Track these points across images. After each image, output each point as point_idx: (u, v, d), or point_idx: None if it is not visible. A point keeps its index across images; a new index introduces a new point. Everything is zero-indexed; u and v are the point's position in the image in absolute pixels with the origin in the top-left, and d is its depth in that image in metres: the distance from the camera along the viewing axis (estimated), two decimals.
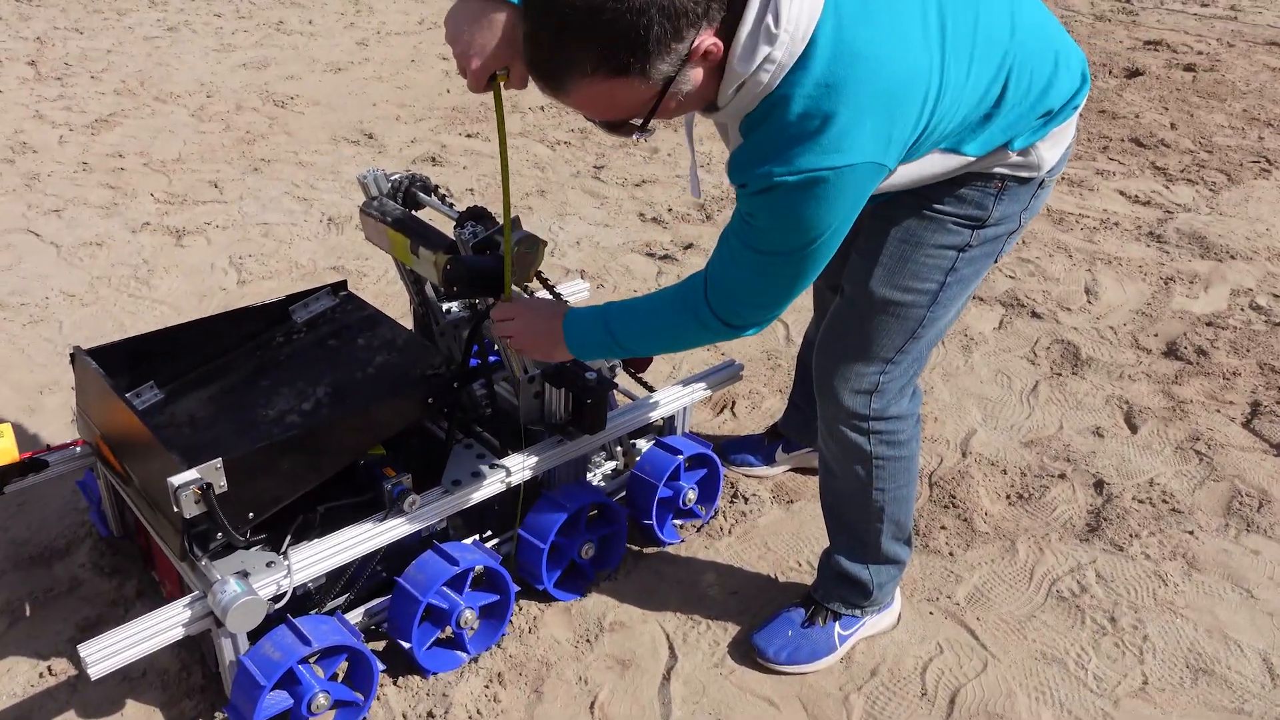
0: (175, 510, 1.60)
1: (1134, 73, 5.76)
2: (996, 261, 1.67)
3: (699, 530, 2.30)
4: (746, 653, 1.97)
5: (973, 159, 1.50)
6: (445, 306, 2.23)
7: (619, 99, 1.31)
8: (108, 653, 1.54)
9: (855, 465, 1.81)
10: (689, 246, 3.66)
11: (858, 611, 1.96)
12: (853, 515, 1.88)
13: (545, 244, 1.87)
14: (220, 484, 1.63)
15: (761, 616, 2.05)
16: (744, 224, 1.45)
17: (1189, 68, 5.85)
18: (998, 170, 1.54)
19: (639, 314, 1.64)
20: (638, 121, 1.37)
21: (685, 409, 2.30)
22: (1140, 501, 2.41)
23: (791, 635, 1.94)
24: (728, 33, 1.29)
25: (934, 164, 1.50)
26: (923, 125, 1.38)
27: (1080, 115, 5.30)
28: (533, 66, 1.32)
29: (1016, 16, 1.46)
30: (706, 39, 1.27)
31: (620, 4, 1.20)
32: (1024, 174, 1.55)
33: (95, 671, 1.53)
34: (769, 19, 1.25)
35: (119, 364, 2.01)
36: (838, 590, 1.96)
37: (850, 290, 1.69)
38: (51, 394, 2.74)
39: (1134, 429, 2.70)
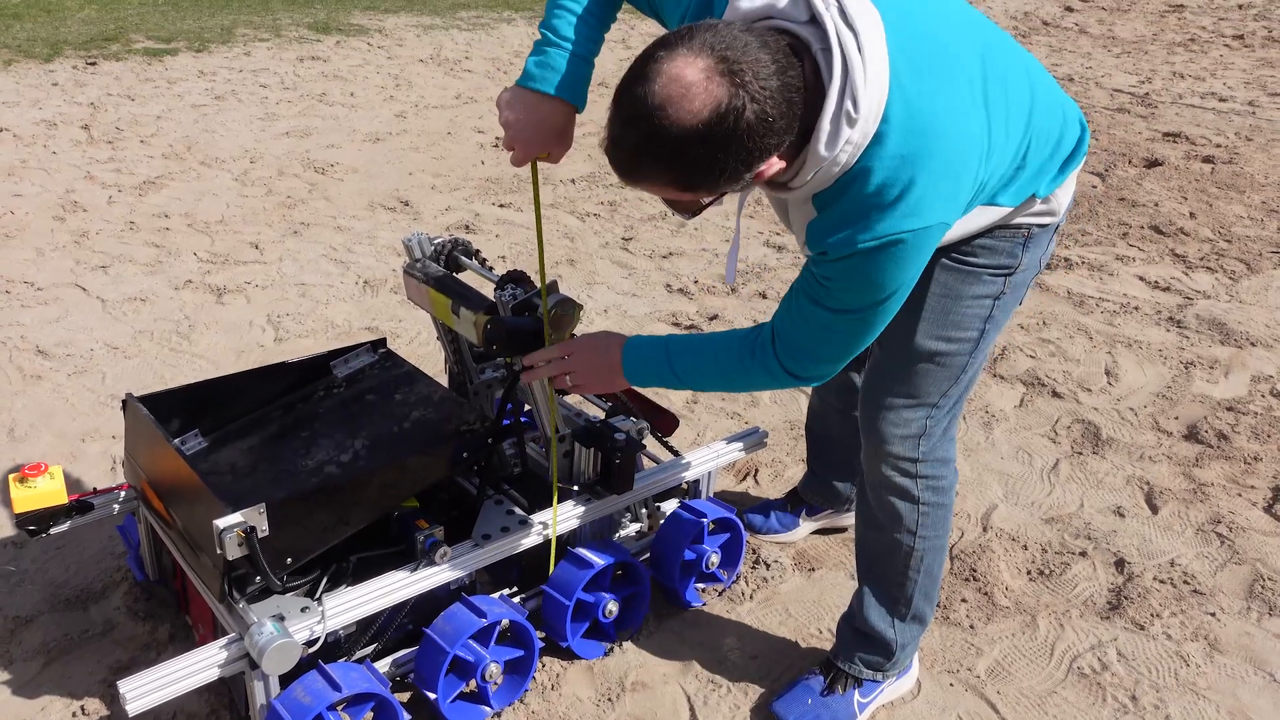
0: (218, 552, 1.66)
1: (1153, 163, 5.87)
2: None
3: (721, 594, 2.33)
4: (767, 718, 1.98)
5: (1008, 210, 1.59)
6: (480, 367, 2.31)
7: (685, 199, 1.43)
8: (146, 689, 1.58)
9: (901, 513, 1.85)
10: (714, 317, 3.73)
11: (878, 676, 1.98)
12: (891, 567, 1.91)
13: (581, 307, 1.94)
14: (262, 528, 1.68)
15: (782, 682, 2.07)
16: (818, 285, 1.52)
17: (1208, 159, 5.97)
18: (1021, 220, 1.64)
19: (703, 354, 1.70)
20: (706, 200, 1.46)
21: (710, 473, 2.34)
22: (1161, 582, 2.42)
23: (811, 703, 1.96)
24: (794, 150, 1.37)
25: (976, 218, 1.59)
26: (978, 183, 1.48)
27: (1100, 203, 5.36)
28: (611, 159, 1.37)
29: (1032, 78, 1.57)
30: (774, 165, 1.37)
31: (704, 150, 1.28)
32: (1045, 220, 1.66)
33: (134, 708, 1.57)
34: (848, 104, 1.33)
35: (167, 411, 2.08)
36: (859, 652, 1.97)
37: (894, 344, 1.76)
38: (93, 441, 2.82)
39: (1155, 510, 2.71)
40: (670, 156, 1.29)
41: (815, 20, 1.33)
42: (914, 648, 2.00)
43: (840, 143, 1.34)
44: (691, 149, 1.27)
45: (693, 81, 1.23)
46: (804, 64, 1.33)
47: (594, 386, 1.83)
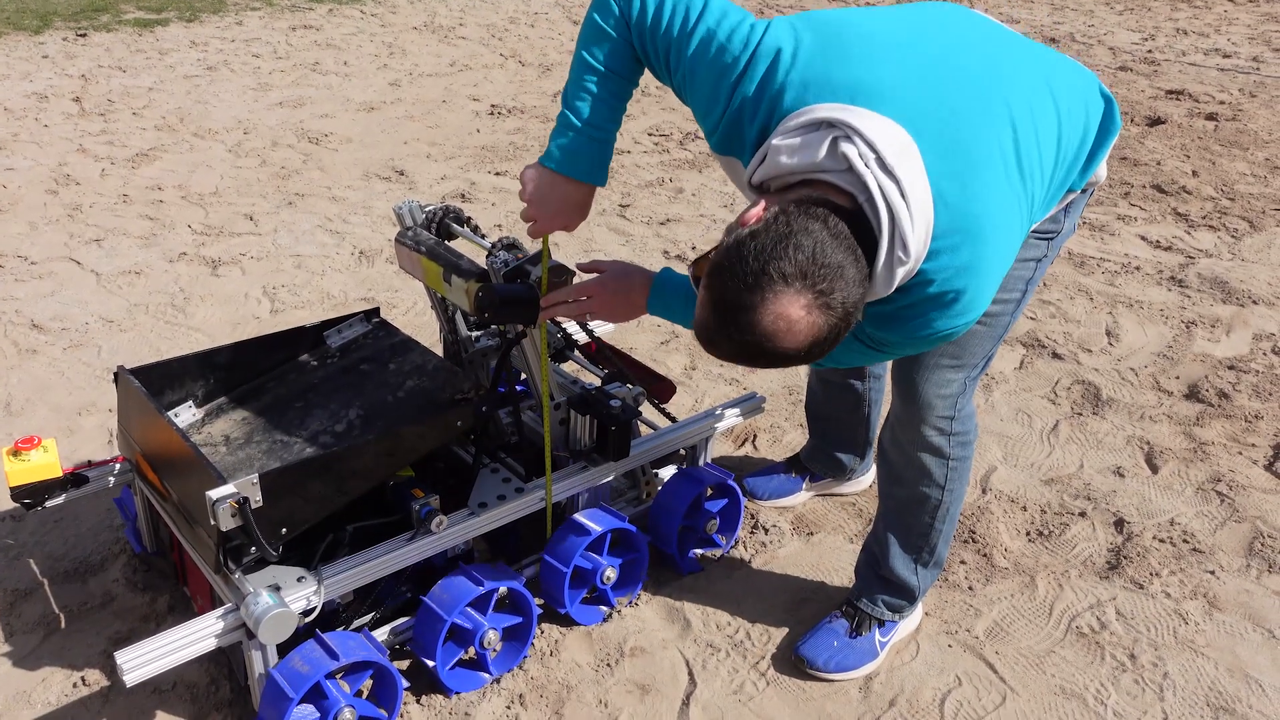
0: (212, 523, 1.65)
1: (1156, 121, 5.81)
2: None
3: (719, 560, 2.33)
4: (769, 680, 1.99)
5: (1041, 219, 1.63)
6: (474, 335, 2.29)
7: None
8: (143, 660, 1.59)
9: (931, 469, 1.91)
10: None
11: (897, 616, 2.05)
12: (918, 519, 1.97)
13: (574, 274, 1.92)
14: (256, 499, 1.67)
15: (780, 645, 2.07)
16: (867, 337, 1.58)
17: (1211, 117, 5.90)
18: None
19: None
20: None
21: (707, 440, 2.33)
22: (1161, 541, 2.42)
23: (838, 645, 2.02)
24: None
25: None
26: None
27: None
28: (704, 345, 1.38)
29: (1055, 93, 1.53)
30: None
31: (802, 359, 1.33)
32: (1086, 187, 1.69)
33: (131, 679, 1.57)
34: (899, 251, 1.35)
35: (160, 383, 2.07)
36: (884, 596, 2.04)
37: None
38: (89, 415, 2.82)
39: (1155, 469, 2.71)
40: (768, 364, 1.36)
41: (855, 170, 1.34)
42: (927, 590, 2.09)
43: (895, 282, 1.38)
44: (790, 361, 1.34)
45: (796, 319, 1.28)
46: (855, 220, 1.34)
47: (613, 318, 1.86)
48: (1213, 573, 2.32)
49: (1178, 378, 3.16)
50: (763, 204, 1.37)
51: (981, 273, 1.42)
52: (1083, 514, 2.52)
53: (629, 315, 1.81)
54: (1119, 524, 2.48)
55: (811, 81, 1.40)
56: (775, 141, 1.39)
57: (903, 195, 1.32)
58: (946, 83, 1.42)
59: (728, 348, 1.34)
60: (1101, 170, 1.66)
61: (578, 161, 1.65)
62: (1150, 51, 7.57)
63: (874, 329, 1.54)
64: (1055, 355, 3.27)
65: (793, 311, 1.28)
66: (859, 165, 1.32)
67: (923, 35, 1.47)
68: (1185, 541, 2.41)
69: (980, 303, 1.46)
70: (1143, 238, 4.25)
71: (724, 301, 1.31)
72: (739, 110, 1.47)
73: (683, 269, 3.85)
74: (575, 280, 1.90)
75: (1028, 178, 1.47)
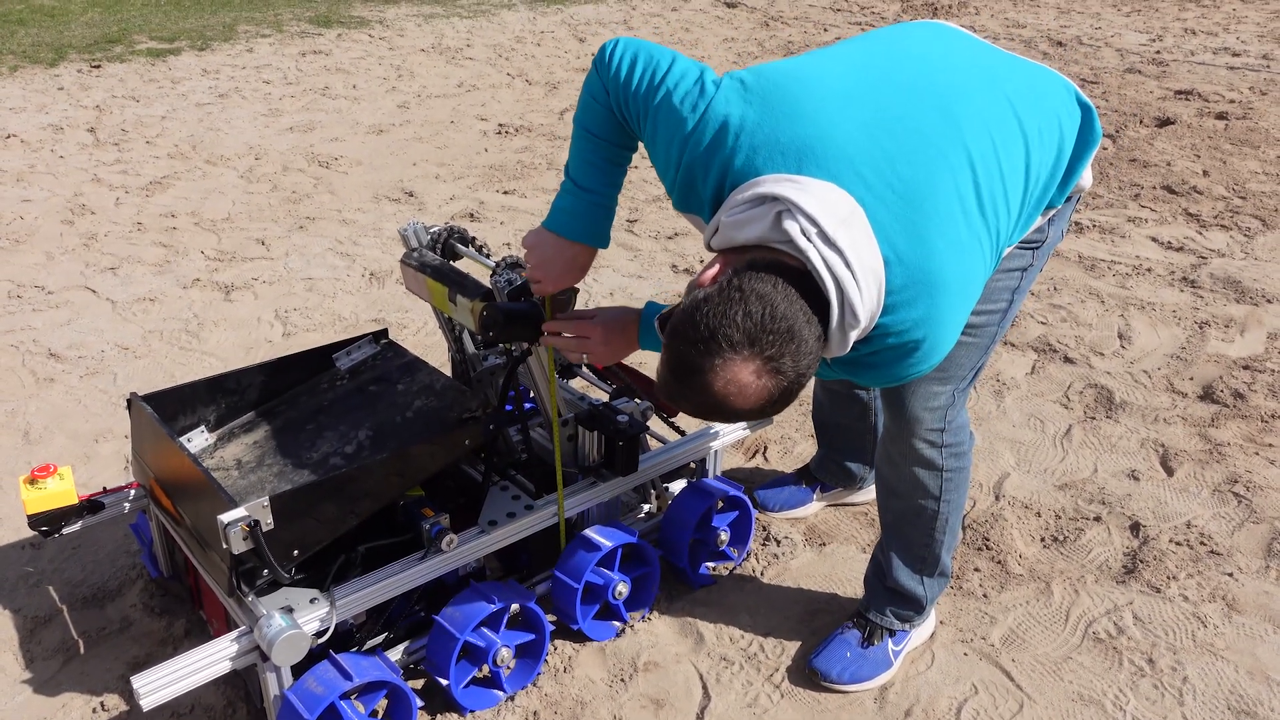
0: (224, 547, 1.67)
1: (1165, 122, 5.79)
2: None
3: (731, 573, 2.32)
4: (783, 693, 1.98)
5: (1016, 241, 1.62)
6: (483, 354, 2.30)
7: None
8: (159, 684, 1.60)
9: (925, 481, 1.90)
10: None
11: (907, 626, 2.04)
12: (917, 531, 1.96)
13: (577, 291, 1.93)
14: (267, 521, 1.69)
15: (794, 657, 2.07)
16: (838, 374, 1.60)
17: (1221, 116, 5.87)
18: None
19: None
20: None
21: (717, 452, 2.34)
22: (1178, 544, 2.40)
23: (850, 656, 2.01)
24: None
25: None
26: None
27: (1111, 164, 5.28)
28: (665, 399, 1.44)
29: (1020, 117, 1.52)
30: None
31: (759, 415, 1.39)
32: (1070, 196, 1.69)
33: (147, 703, 1.58)
34: (849, 317, 1.37)
35: (172, 409, 2.09)
36: (892, 607, 2.03)
37: None
38: (106, 442, 2.85)
39: (1170, 472, 2.69)
40: (726, 420, 1.42)
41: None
42: (937, 598, 2.08)
43: (849, 342, 1.41)
44: (749, 417, 1.41)
45: (747, 383, 1.34)
46: (807, 281, 1.36)
47: (609, 359, 1.87)
48: (1231, 575, 2.30)
49: (1192, 379, 3.14)
50: (719, 264, 1.42)
51: (940, 322, 1.44)
52: (1098, 518, 2.50)
53: (624, 352, 1.83)
54: (1135, 528, 2.46)
55: (760, 146, 1.43)
56: (724, 218, 1.43)
57: (847, 265, 1.35)
58: (898, 134, 1.42)
59: (687, 405, 1.40)
60: (1085, 178, 1.65)
61: (580, 225, 1.73)
62: (1159, 52, 7.55)
63: (841, 372, 1.56)
64: (1067, 359, 3.26)
65: (743, 377, 1.33)
66: (800, 241, 1.35)
67: (878, 81, 1.47)
68: (1202, 544, 2.39)
69: (942, 348, 1.48)
70: (1154, 239, 4.23)
71: (680, 365, 1.36)
72: (690, 169, 1.50)
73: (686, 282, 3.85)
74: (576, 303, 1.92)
75: (991, 216, 1.47)
